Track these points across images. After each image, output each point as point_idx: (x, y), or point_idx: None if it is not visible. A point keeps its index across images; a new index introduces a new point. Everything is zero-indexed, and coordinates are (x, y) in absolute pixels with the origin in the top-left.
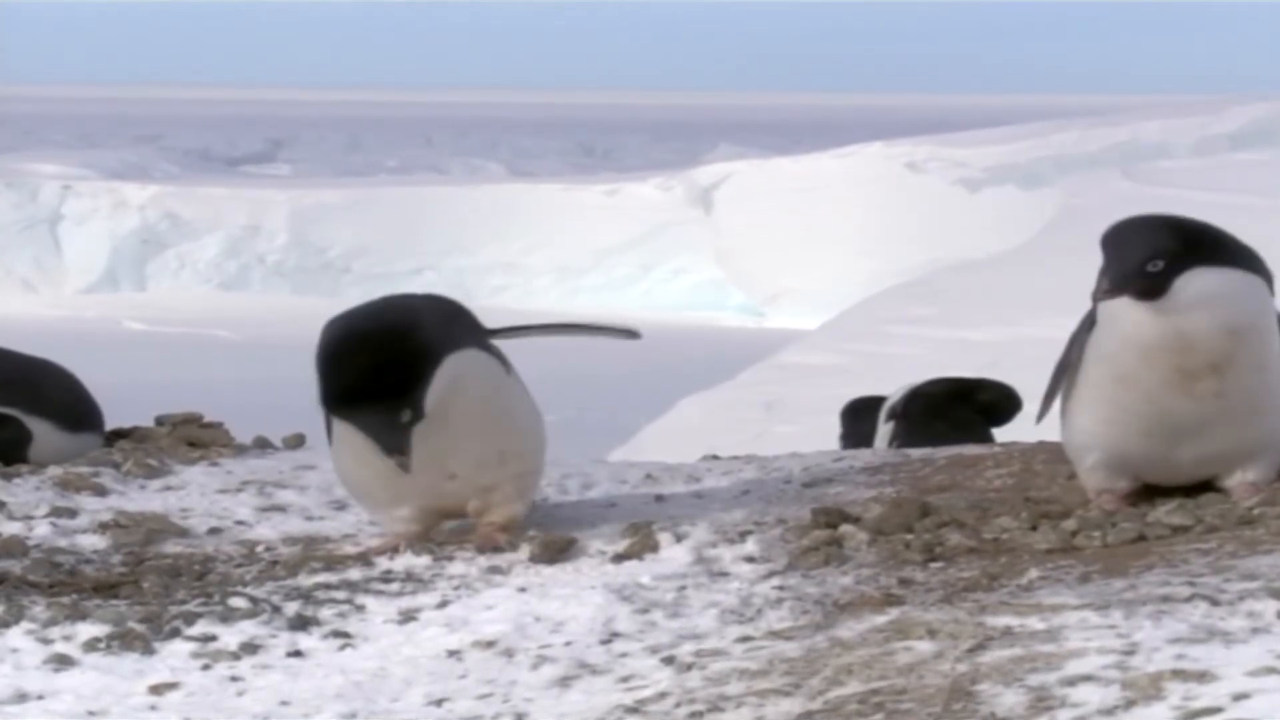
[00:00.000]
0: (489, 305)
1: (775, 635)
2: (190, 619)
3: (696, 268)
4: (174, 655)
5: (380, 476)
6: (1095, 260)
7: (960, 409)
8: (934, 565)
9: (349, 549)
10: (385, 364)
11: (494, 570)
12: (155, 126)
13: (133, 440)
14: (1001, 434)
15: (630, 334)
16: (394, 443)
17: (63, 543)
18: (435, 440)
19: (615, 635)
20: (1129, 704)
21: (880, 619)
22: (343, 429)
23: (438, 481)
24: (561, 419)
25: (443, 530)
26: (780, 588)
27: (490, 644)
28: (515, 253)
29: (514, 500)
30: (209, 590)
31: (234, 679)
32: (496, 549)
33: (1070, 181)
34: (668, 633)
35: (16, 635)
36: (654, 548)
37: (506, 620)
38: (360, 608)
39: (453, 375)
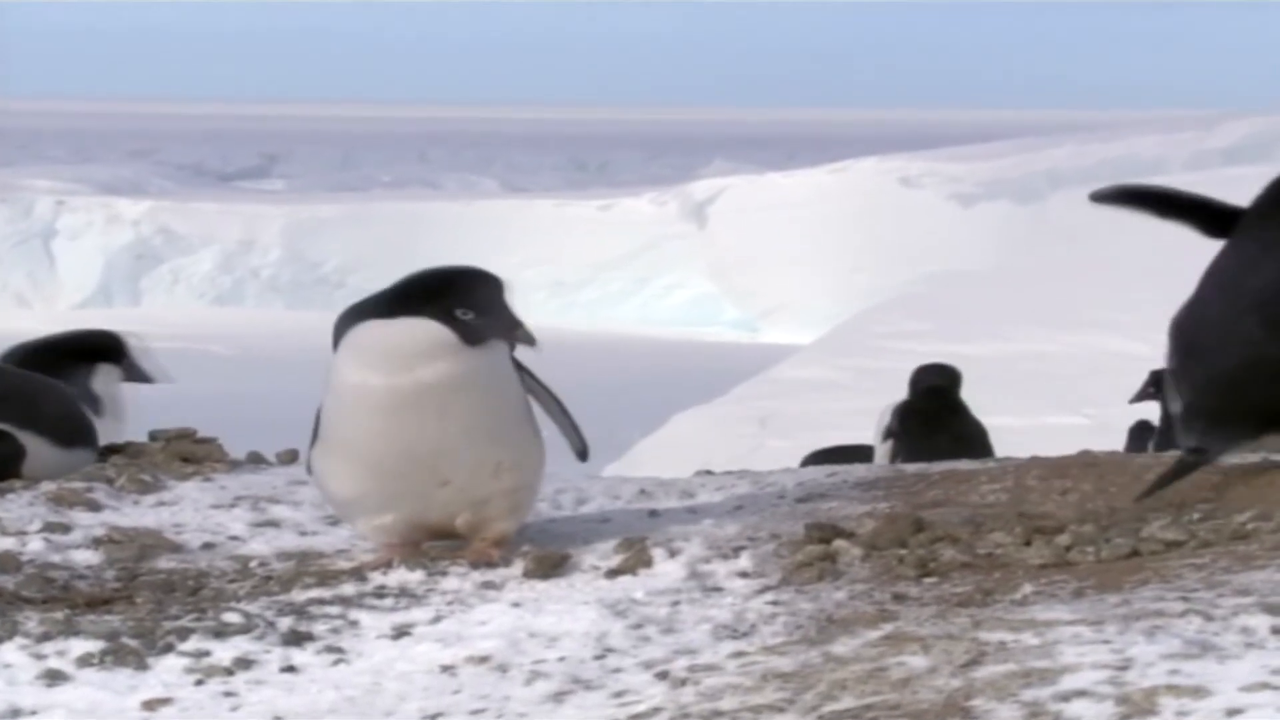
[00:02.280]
0: None
1: (769, 650)
2: (184, 634)
3: (691, 282)
4: (167, 670)
5: (371, 478)
6: (1089, 274)
7: (952, 415)
8: (928, 580)
9: (342, 564)
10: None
11: (488, 585)
12: (149, 141)
13: (126, 456)
14: (997, 447)
15: (582, 452)
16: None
17: (56, 558)
18: (432, 439)
19: (609, 650)
20: (1124, 719)
21: (874, 634)
22: (333, 418)
23: (429, 487)
24: (555, 433)
25: (435, 545)
26: (774, 603)
27: (484, 659)
28: (510, 268)
29: (507, 516)
30: (202, 605)
31: (227, 694)
32: (489, 564)
33: (1064, 196)
34: (661, 648)
35: (10, 650)
36: (648, 563)
37: (500, 635)
38: (354, 623)
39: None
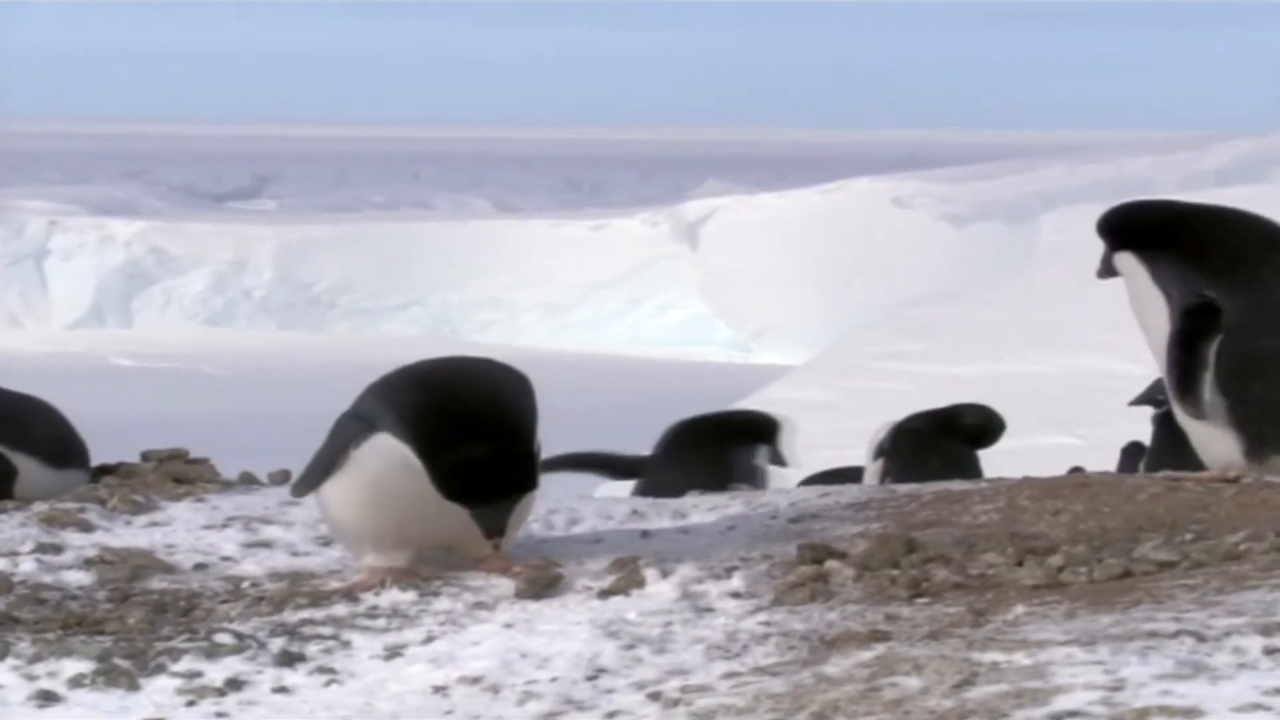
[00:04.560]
0: (476, 341)
1: (761, 671)
2: (175, 655)
3: (683, 303)
4: (159, 691)
5: (397, 523)
6: (1081, 295)
7: (949, 441)
8: (920, 601)
9: (335, 584)
10: (518, 457)
11: (480, 606)
12: (142, 162)
13: (118, 476)
14: (989, 468)
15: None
16: (500, 526)
17: (48, 579)
18: (450, 509)
19: (601, 671)
20: None
21: (866, 655)
22: (367, 470)
23: (456, 531)
24: (548, 454)
25: (428, 565)
26: (766, 624)
27: (476, 680)
28: (502, 288)
29: (513, 535)
30: (194, 626)
31: (219, 715)
32: (507, 573)
33: (1056, 217)
34: (654, 669)
35: (1, 671)
36: (640, 583)
37: (492, 656)
38: (346, 643)
39: (538, 453)
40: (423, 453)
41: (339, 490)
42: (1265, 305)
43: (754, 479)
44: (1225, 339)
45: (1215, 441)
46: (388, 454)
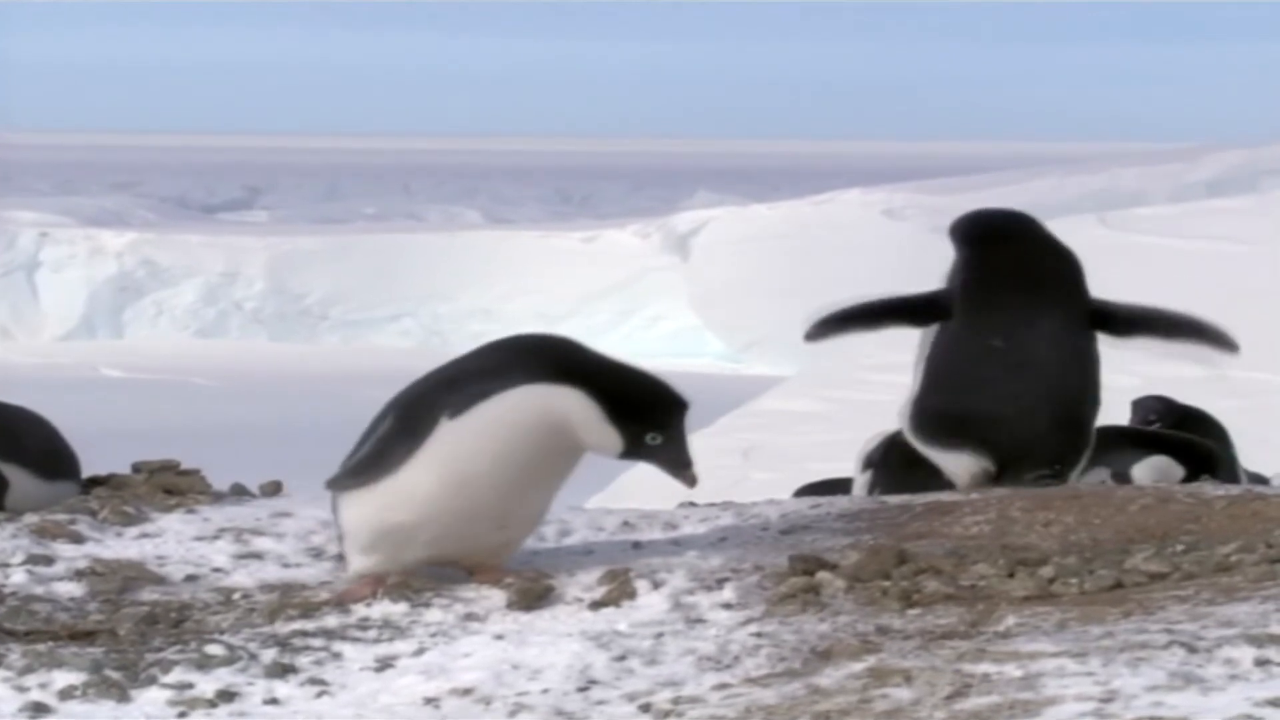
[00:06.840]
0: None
1: (752, 682)
2: (167, 666)
3: (674, 314)
4: (150, 703)
5: (445, 520)
6: None
7: None
8: (911, 612)
9: (326, 596)
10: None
11: (471, 618)
12: (133, 173)
13: (109, 487)
14: None
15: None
16: (688, 456)
17: (39, 590)
18: (512, 497)
19: (592, 683)
20: None
21: (858, 666)
22: (494, 428)
23: (487, 532)
24: None
25: (420, 576)
26: (758, 635)
27: (467, 692)
28: (493, 299)
29: (517, 550)
30: (185, 638)
31: None
32: (499, 585)
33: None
34: (645, 680)
35: None
36: (631, 595)
37: (484, 668)
38: (337, 655)
39: None
40: (605, 392)
41: (387, 486)
42: (978, 325)
43: None
44: (935, 349)
45: (939, 459)
46: (548, 401)
